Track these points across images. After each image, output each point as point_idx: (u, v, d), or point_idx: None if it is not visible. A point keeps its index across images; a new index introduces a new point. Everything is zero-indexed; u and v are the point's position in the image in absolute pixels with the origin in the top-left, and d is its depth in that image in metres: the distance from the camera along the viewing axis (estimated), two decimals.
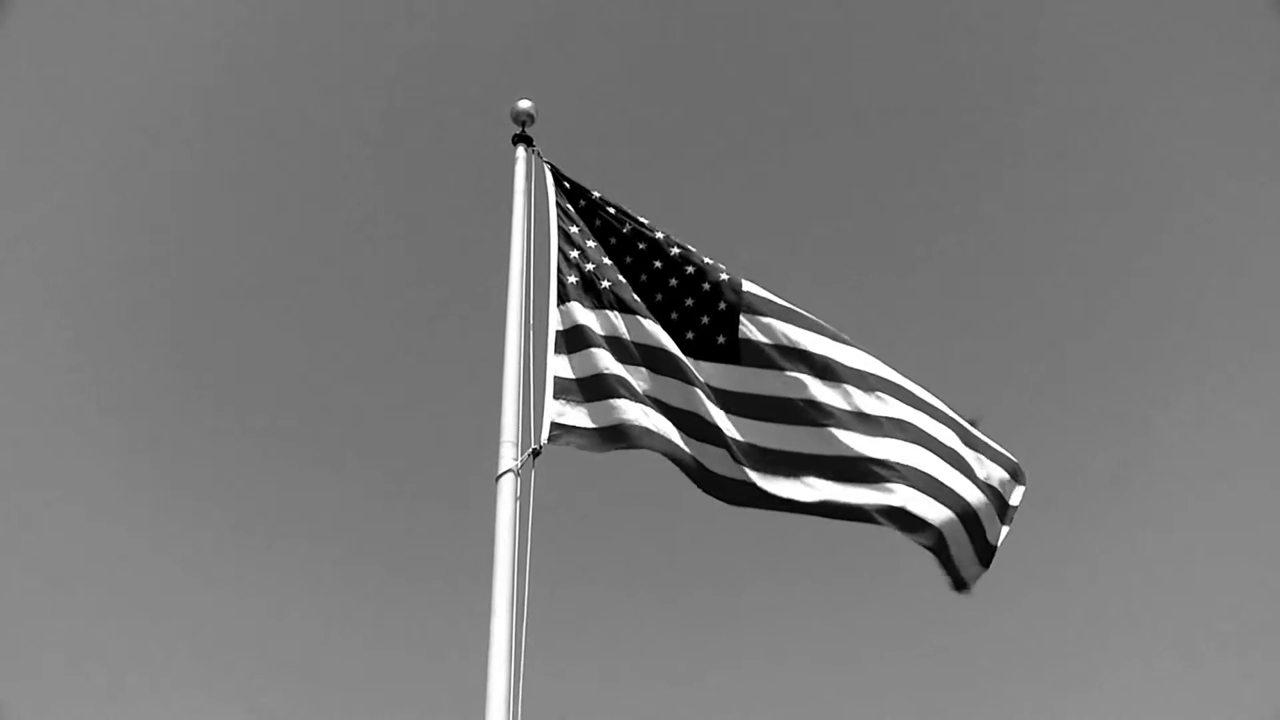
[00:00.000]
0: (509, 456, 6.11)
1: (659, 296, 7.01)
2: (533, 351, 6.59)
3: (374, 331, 20.61)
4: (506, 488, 6.01)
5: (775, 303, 6.96)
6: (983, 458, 6.82)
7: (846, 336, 6.99)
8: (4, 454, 15.91)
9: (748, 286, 6.99)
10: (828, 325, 6.98)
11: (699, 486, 6.56)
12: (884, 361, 6.98)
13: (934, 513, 6.44)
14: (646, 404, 6.54)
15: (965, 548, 6.54)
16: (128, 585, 16.52)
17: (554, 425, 6.28)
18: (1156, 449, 18.58)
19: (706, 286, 6.97)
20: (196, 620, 16.46)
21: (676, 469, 6.51)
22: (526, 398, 6.39)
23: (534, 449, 6.17)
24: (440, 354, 20.27)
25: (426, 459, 19.52)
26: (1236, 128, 17.84)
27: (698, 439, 6.56)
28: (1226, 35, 17.21)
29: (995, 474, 6.79)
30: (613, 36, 21.72)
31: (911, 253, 21.93)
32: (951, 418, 6.89)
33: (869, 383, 6.82)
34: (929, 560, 6.60)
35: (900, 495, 6.46)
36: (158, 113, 18.76)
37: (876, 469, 6.53)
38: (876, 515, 6.45)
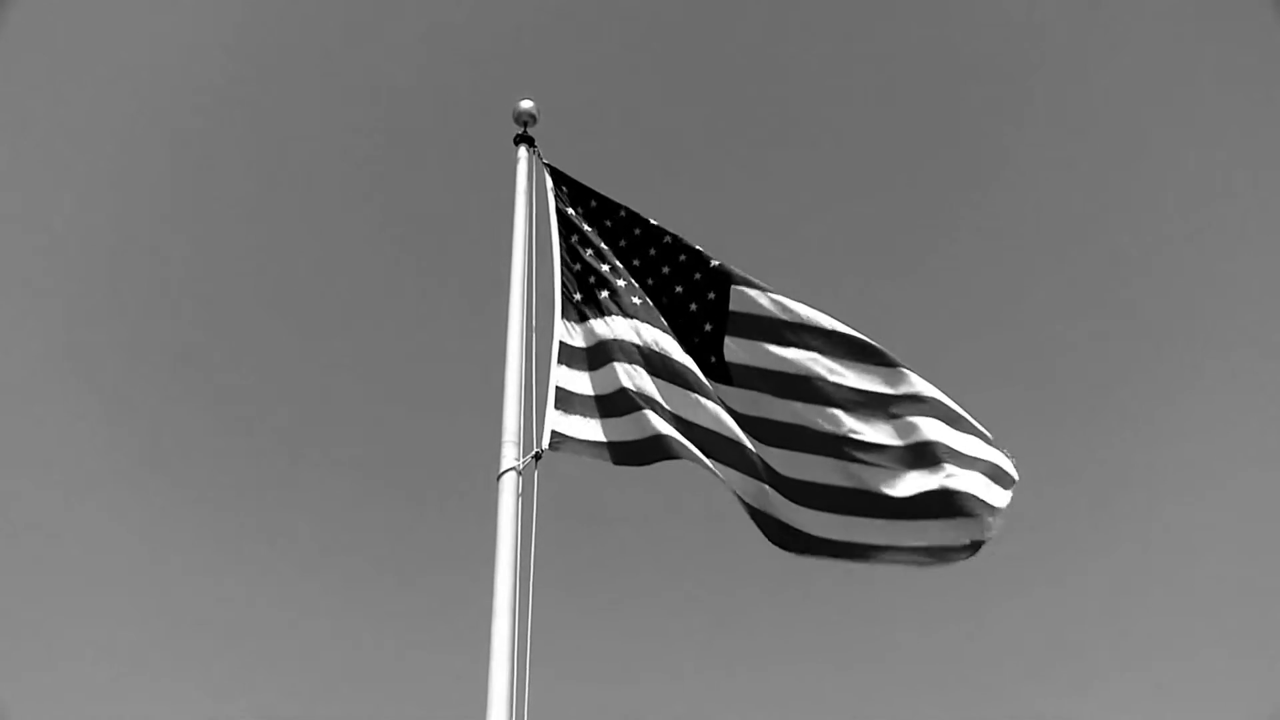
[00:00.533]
0: (510, 456, 6.09)
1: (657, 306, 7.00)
2: (535, 352, 6.60)
3: (378, 332, 20.61)
4: (508, 487, 6.00)
5: (763, 317, 6.86)
6: (975, 444, 6.74)
7: (837, 329, 6.85)
8: (5, 454, 15.92)
9: (734, 300, 6.89)
10: (818, 325, 6.85)
11: (741, 502, 6.50)
12: (873, 356, 6.84)
13: (955, 532, 6.46)
14: (663, 416, 6.48)
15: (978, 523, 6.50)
16: (130, 585, 16.53)
17: (555, 434, 6.27)
18: (1157, 449, 18.61)
19: (694, 308, 6.97)
20: (198, 620, 16.47)
21: (681, 472, 6.54)
22: (529, 398, 6.40)
23: (536, 452, 6.17)
24: (446, 354, 20.27)
25: (433, 459, 19.52)
26: (1236, 128, 17.86)
27: (721, 461, 6.49)
28: (1226, 35, 17.23)
29: (991, 457, 6.73)
30: (614, 36, 21.74)
31: (911, 252, 21.96)
32: (943, 405, 6.76)
33: (860, 400, 6.71)
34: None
35: (927, 532, 6.45)
36: (158, 113, 18.78)
37: (894, 504, 6.48)
38: (919, 558, 6.47)
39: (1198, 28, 17.84)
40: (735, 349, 6.83)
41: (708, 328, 6.92)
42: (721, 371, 6.81)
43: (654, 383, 6.63)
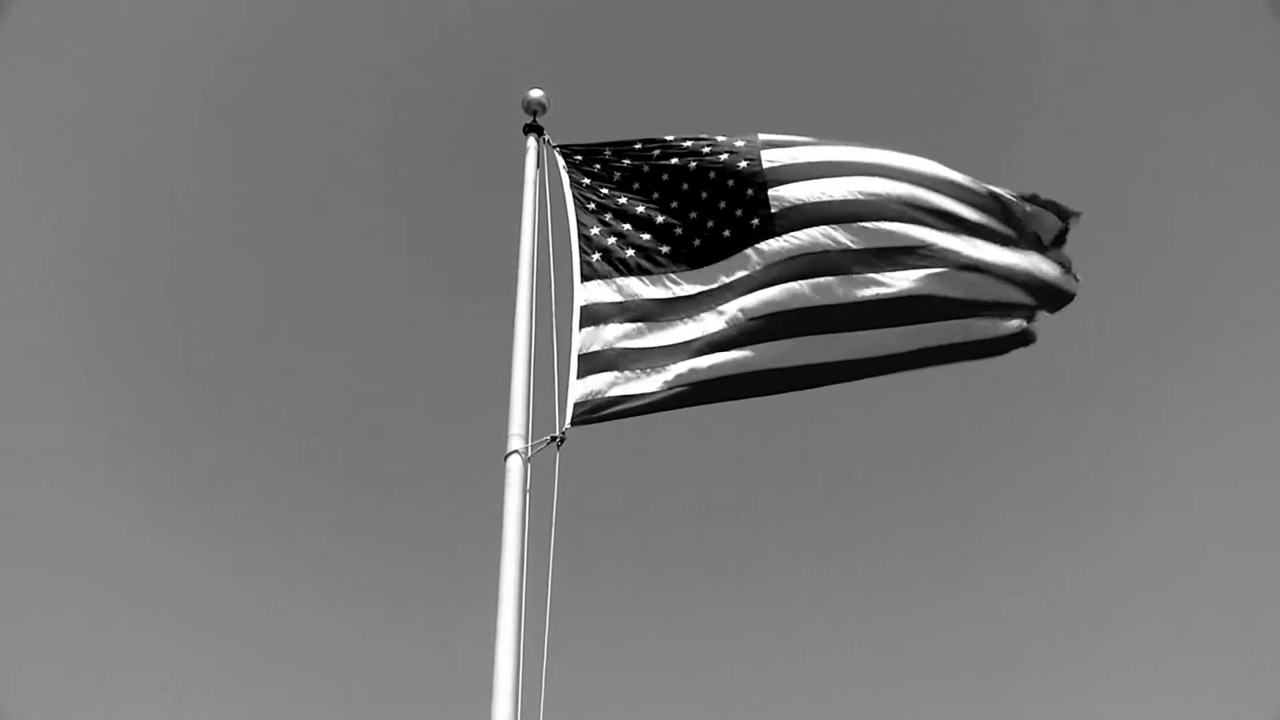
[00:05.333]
0: (517, 445, 6.07)
1: (693, 214, 7.12)
2: (554, 343, 6.57)
3: (390, 322, 20.49)
4: (515, 480, 5.97)
5: (797, 164, 7.11)
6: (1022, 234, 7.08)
7: (870, 159, 7.14)
8: (5, 454, 15.88)
9: (767, 158, 7.14)
10: (850, 158, 7.15)
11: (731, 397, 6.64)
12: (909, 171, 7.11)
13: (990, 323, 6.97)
14: (665, 372, 6.54)
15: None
16: (130, 583, 16.46)
17: (577, 404, 6.25)
18: (1158, 449, 18.61)
19: (731, 182, 7.09)
20: (201, 617, 16.39)
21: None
22: (536, 387, 6.36)
23: (554, 436, 6.13)
24: (461, 345, 20.13)
25: (448, 448, 19.37)
26: (1236, 128, 17.89)
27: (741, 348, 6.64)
28: (1226, 35, 17.27)
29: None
30: (625, 24, 21.74)
31: None
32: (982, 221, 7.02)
33: (902, 214, 6.97)
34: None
35: (958, 328, 6.89)
36: (162, 104, 18.72)
37: (930, 305, 6.80)
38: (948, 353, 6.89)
39: (1198, 28, 17.90)
40: (780, 196, 7.02)
41: (750, 193, 7.05)
42: (767, 227, 6.94)
43: (678, 327, 6.70)
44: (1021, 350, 7.25)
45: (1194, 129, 18.77)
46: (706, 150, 7.30)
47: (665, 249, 7.01)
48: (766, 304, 6.73)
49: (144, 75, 18.50)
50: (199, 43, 18.68)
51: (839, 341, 6.74)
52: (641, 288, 6.80)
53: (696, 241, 7.04)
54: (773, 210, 6.98)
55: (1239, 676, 15.42)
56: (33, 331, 16.95)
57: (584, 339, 6.49)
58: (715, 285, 6.84)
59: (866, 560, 18.50)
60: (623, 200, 7.21)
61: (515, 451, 6.05)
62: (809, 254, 6.81)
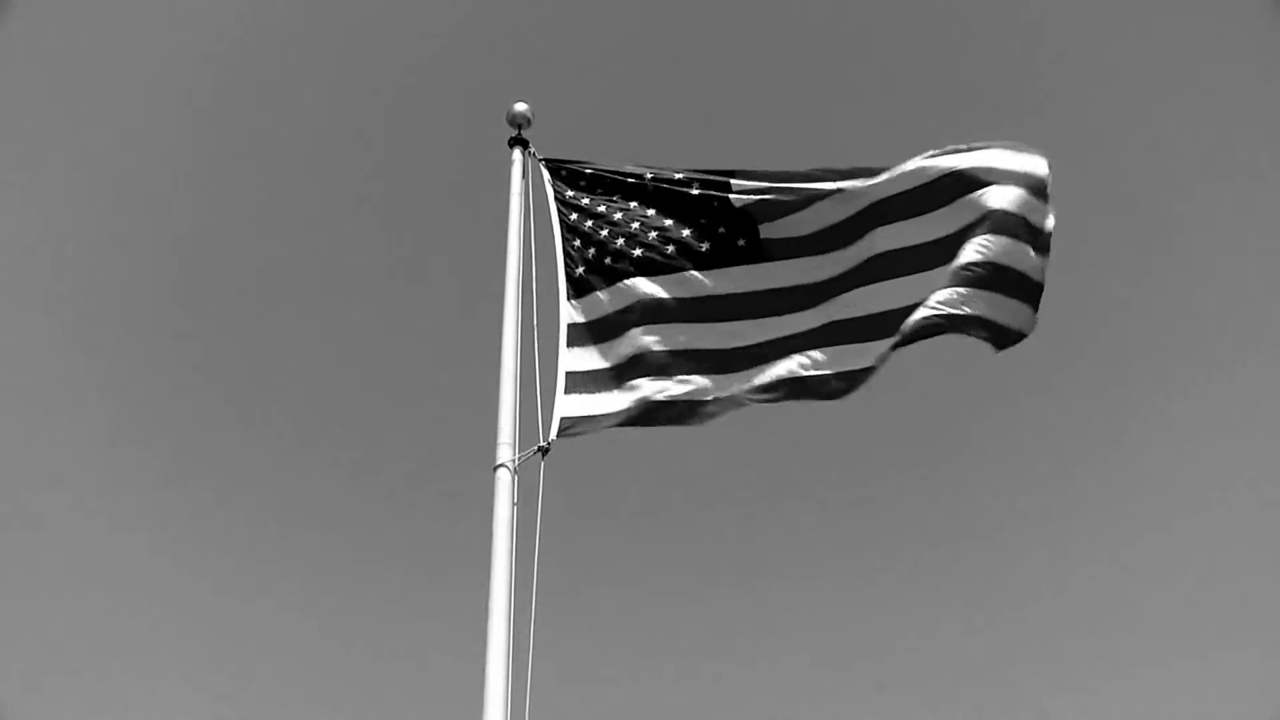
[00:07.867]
0: (505, 457, 6.12)
1: (674, 229, 7.15)
2: (537, 350, 6.61)
3: (376, 337, 20.52)
4: (504, 489, 6.01)
5: (771, 202, 7.09)
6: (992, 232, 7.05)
7: (833, 187, 7.11)
8: (6, 452, 15.93)
9: (742, 201, 7.11)
10: (818, 186, 7.11)
11: (705, 419, 6.61)
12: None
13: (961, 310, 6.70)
14: (662, 376, 6.59)
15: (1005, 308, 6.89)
16: (127, 584, 16.52)
17: (565, 419, 6.31)
18: (1157, 447, 18.59)
19: (716, 204, 7.12)
20: (196, 619, 16.44)
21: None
22: (524, 397, 6.40)
23: (540, 446, 6.19)
24: (448, 357, 20.17)
25: (438, 456, 19.39)
26: (1236, 128, 17.84)
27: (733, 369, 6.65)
28: (1226, 35, 17.22)
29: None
30: (612, 36, 21.73)
31: None
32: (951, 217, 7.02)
33: (872, 238, 6.92)
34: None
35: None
36: (155, 114, 18.78)
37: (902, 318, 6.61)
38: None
39: (1198, 27, 17.85)
40: (766, 227, 7.04)
41: (737, 214, 7.05)
42: (753, 250, 6.99)
43: (675, 329, 6.76)
44: (1020, 350, 7.14)
45: (1193, 127, 18.75)
46: (680, 175, 7.35)
47: (647, 262, 7.03)
48: (744, 323, 6.78)
49: (141, 77, 18.58)
50: (191, 52, 18.75)
51: (831, 354, 6.71)
52: (625, 302, 6.84)
53: (674, 252, 7.06)
54: (760, 235, 7.03)
55: (1239, 676, 15.43)
56: (31, 330, 17.03)
57: (570, 356, 6.56)
58: (699, 299, 6.89)
59: (863, 565, 18.49)
60: (605, 212, 7.26)
61: (503, 463, 6.10)
62: (791, 270, 6.87)
